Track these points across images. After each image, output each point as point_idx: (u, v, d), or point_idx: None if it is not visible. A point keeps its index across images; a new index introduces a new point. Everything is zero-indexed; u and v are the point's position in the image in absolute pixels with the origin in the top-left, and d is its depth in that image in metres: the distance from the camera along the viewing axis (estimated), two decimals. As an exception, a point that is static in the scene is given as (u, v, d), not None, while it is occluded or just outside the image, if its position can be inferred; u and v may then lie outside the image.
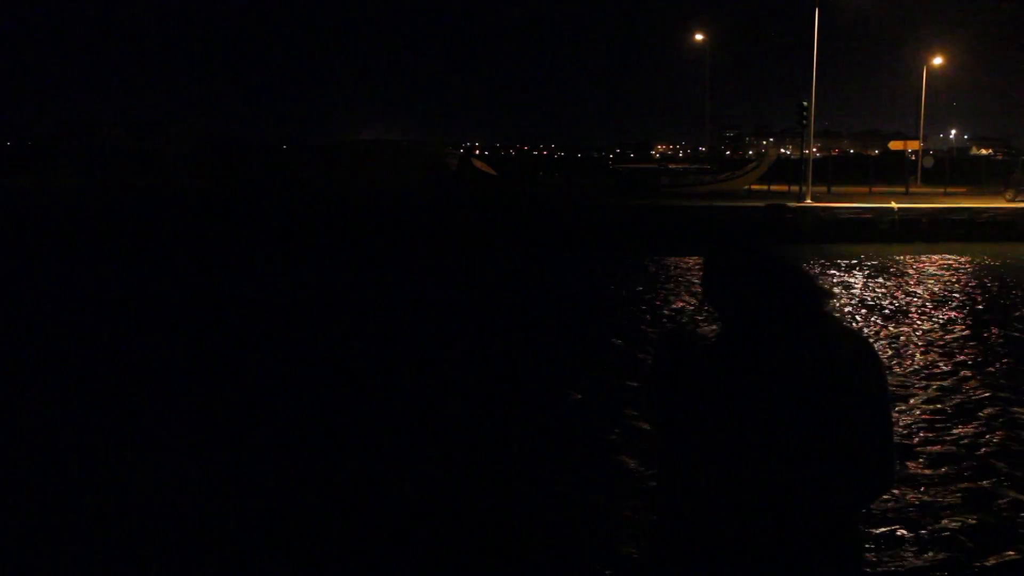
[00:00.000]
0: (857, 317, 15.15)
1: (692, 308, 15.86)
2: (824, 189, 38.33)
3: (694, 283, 19.07)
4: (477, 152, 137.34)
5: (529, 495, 6.97)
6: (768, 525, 2.10)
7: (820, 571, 2.16)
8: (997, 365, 11.43)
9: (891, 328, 14.12)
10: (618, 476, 7.32)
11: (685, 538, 2.15)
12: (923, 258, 24.50)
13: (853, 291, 18.30)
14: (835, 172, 43.01)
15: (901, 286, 19.12)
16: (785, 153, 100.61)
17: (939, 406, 9.46)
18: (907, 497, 6.82)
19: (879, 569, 5.63)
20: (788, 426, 2.11)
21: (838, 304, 16.47)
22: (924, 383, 10.47)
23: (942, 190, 40.65)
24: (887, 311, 15.79)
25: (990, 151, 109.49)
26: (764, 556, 2.12)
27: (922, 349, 12.48)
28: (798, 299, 2.21)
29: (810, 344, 2.19)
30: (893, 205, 30.50)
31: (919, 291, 18.41)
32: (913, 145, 52.96)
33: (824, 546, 2.16)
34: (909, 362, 11.64)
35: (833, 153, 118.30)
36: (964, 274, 21.29)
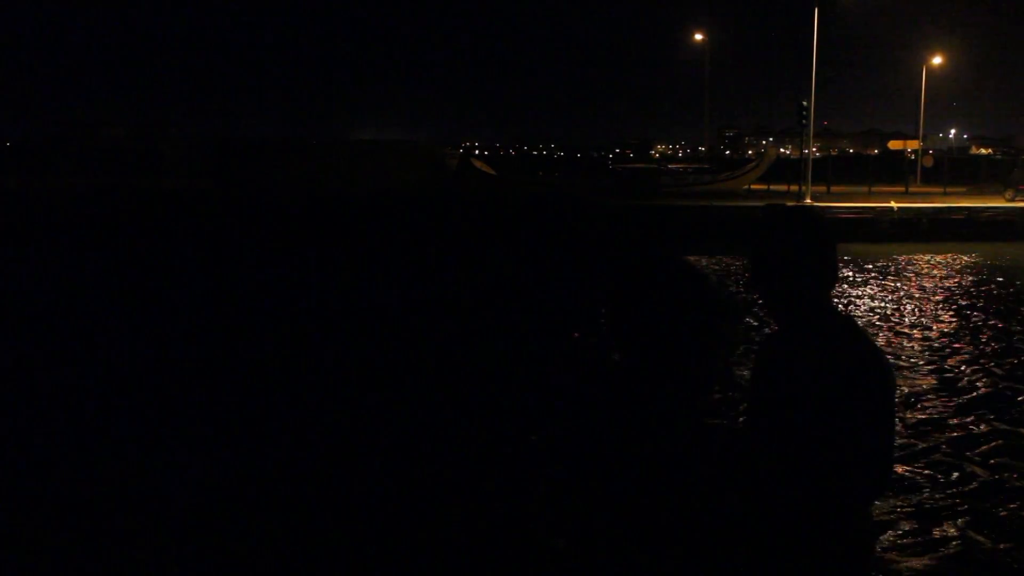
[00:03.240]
0: (856, 317, 15.16)
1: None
2: (824, 189, 38.31)
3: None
4: (477, 152, 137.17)
5: (529, 495, 6.99)
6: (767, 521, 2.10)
7: (827, 570, 2.18)
8: (997, 363, 11.45)
9: (890, 327, 14.13)
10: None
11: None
12: (923, 258, 24.51)
13: (852, 291, 18.31)
14: (834, 172, 42.98)
15: (900, 285, 19.13)
16: (785, 153, 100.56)
17: (937, 405, 9.48)
18: (904, 497, 6.83)
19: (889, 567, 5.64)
20: (781, 426, 2.12)
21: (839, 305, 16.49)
22: (924, 382, 10.48)
23: (942, 190, 40.62)
24: (886, 310, 15.80)
25: (990, 151, 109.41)
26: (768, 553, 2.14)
27: (921, 348, 12.49)
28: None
29: (814, 347, 2.20)
30: (893, 205, 30.50)
31: (918, 290, 18.42)
32: (913, 145, 52.92)
33: (828, 546, 2.17)
34: (908, 361, 11.65)
35: (832, 153, 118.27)
36: (964, 273, 21.30)
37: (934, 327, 14.17)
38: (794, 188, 36.65)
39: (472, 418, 9.10)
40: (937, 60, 53.43)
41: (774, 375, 2.38)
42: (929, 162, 49.95)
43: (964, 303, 16.77)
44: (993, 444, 8.16)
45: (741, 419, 2.22)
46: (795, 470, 2.19)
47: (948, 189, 40.81)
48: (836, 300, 13.43)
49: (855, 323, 2.38)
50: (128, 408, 9.50)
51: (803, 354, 2.30)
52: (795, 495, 2.18)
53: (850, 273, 21.14)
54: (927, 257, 24.62)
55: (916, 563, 5.74)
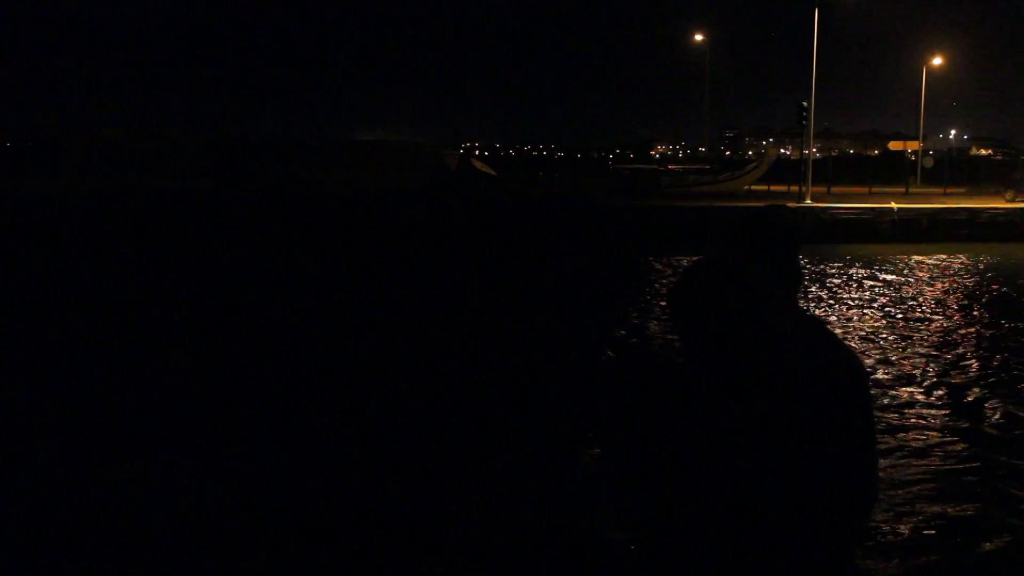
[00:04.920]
0: (856, 318, 15.17)
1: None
2: (824, 189, 38.32)
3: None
4: (477, 152, 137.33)
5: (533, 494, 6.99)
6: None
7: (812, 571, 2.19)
8: (996, 364, 11.45)
9: (889, 328, 14.14)
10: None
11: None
12: (922, 258, 24.52)
13: (852, 292, 18.31)
14: (835, 172, 42.98)
15: (900, 286, 19.14)
16: (785, 153, 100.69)
17: (937, 405, 9.48)
18: (898, 498, 6.83)
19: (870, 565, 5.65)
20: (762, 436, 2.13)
21: (837, 306, 16.50)
22: (922, 382, 10.49)
23: (942, 190, 40.65)
24: (886, 311, 15.81)
25: (990, 151, 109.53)
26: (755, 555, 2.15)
27: (921, 348, 12.50)
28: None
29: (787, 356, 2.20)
30: (893, 205, 30.52)
31: (918, 291, 18.43)
32: (913, 145, 52.98)
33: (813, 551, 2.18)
34: (906, 361, 11.66)
35: (833, 153, 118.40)
36: (963, 274, 21.31)
37: (934, 328, 14.17)
38: (794, 189, 36.66)
39: (471, 417, 9.11)
40: (937, 60, 53.51)
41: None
42: (929, 163, 50.00)
43: (964, 304, 16.78)
44: (995, 446, 8.17)
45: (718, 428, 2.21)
46: (773, 471, 2.20)
47: (948, 190, 40.82)
48: (837, 301, 13.39)
49: (823, 324, 2.39)
50: (127, 408, 9.50)
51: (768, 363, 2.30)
52: (776, 497, 2.19)
53: (850, 274, 21.16)
54: (927, 258, 24.63)
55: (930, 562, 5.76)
